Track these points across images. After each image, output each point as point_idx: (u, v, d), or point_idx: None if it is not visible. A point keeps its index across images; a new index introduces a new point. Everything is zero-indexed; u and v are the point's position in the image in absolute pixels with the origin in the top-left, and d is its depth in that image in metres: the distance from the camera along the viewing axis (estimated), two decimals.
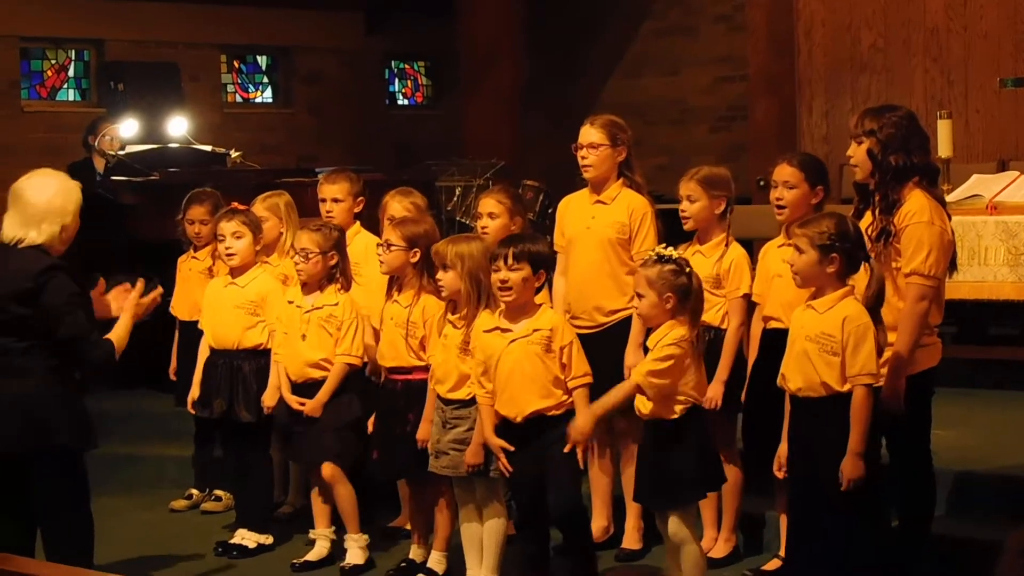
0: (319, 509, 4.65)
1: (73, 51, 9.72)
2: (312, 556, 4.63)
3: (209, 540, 4.91)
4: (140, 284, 4.04)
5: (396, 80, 11.58)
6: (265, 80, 10.83)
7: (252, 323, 4.80)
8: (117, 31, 9.58)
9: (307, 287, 4.61)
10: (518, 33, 9.28)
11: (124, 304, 3.98)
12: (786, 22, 8.40)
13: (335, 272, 4.57)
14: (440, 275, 4.17)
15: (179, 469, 5.63)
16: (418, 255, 4.32)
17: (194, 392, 4.91)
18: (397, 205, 4.85)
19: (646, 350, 3.88)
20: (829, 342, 3.61)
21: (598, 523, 4.63)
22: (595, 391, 3.96)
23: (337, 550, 4.63)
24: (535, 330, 3.95)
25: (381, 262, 4.40)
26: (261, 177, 7.05)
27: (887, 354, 3.75)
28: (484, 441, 4.07)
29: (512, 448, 3.97)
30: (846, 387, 3.60)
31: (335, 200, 4.99)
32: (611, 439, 4.55)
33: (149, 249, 6.23)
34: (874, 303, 3.65)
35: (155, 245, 6.01)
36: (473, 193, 7.43)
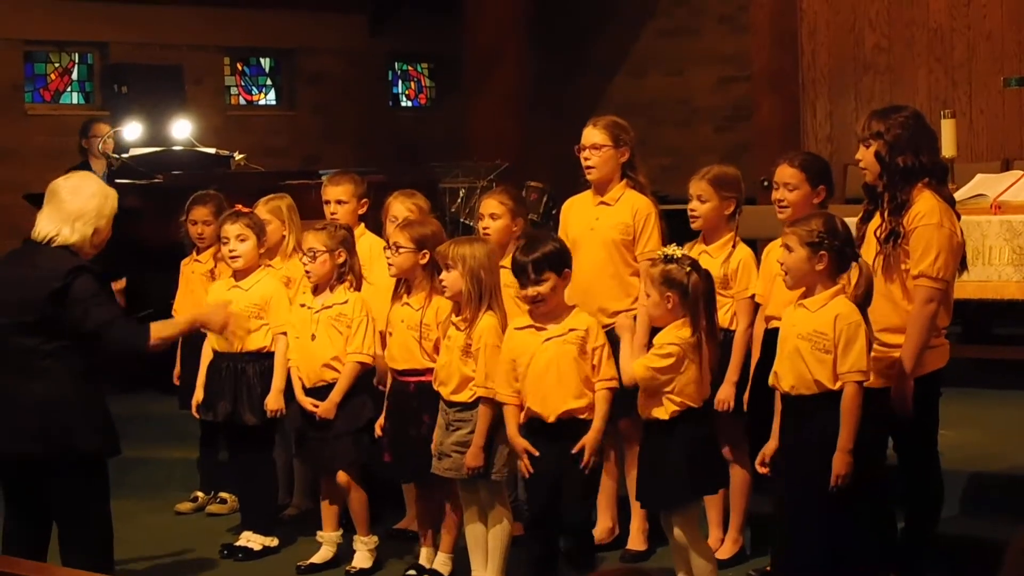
0: (328, 512, 4.65)
1: (77, 54, 9.74)
2: (317, 559, 4.63)
3: (214, 542, 4.91)
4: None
5: (400, 81, 11.59)
6: (268, 82, 10.84)
7: (255, 326, 4.79)
8: (120, 34, 9.59)
9: (317, 288, 4.60)
10: (522, 34, 9.29)
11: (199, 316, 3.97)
12: (790, 22, 8.40)
13: (344, 271, 4.56)
14: (443, 276, 4.16)
15: (184, 472, 5.63)
16: (427, 256, 4.30)
17: (198, 395, 4.91)
18: (399, 206, 4.85)
19: (652, 350, 3.87)
20: (822, 340, 3.61)
21: (603, 524, 4.62)
22: None
23: (342, 553, 4.63)
24: (571, 330, 3.95)
25: (390, 264, 4.38)
26: (265, 180, 7.05)
27: (893, 355, 3.75)
28: (484, 444, 4.07)
29: (536, 453, 3.96)
30: (838, 385, 3.60)
31: (339, 202, 4.99)
32: (616, 440, 4.54)
33: (153, 252, 6.23)
34: (863, 301, 3.65)
35: (159, 248, 6.00)
36: (477, 194, 7.43)
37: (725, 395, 4.20)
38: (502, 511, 4.17)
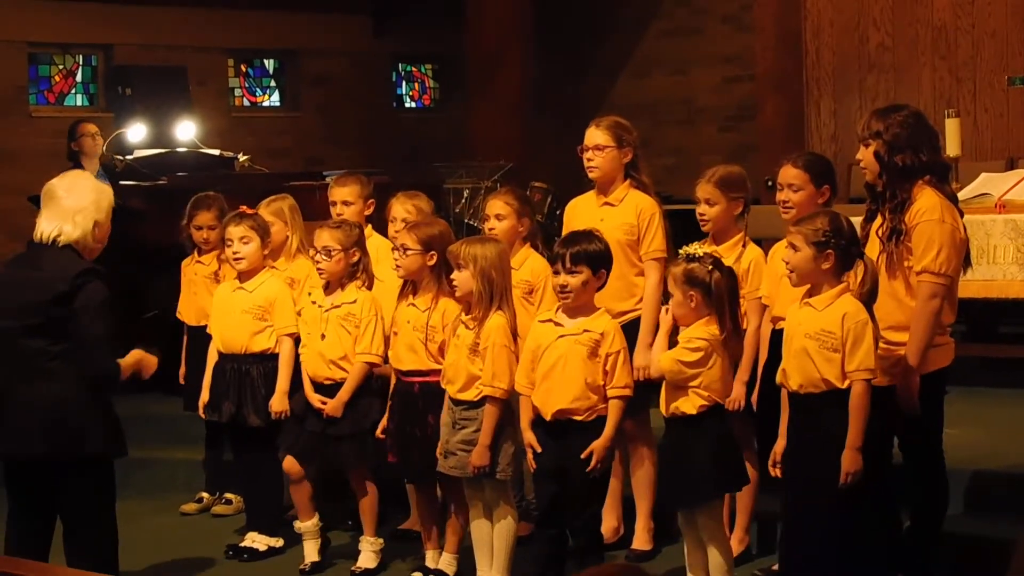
0: (301, 501, 4.59)
1: (81, 56, 9.75)
2: (308, 553, 4.60)
3: (220, 543, 4.92)
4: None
5: (403, 83, 11.59)
6: (272, 84, 10.85)
7: (260, 328, 4.80)
8: (125, 36, 9.60)
9: (328, 286, 4.59)
10: (525, 34, 9.28)
11: (144, 356, 3.96)
12: (794, 21, 8.39)
13: (356, 270, 4.55)
14: (454, 275, 4.16)
15: (189, 473, 5.63)
16: (435, 257, 4.29)
17: (204, 396, 4.91)
18: (399, 208, 4.84)
19: (680, 344, 3.85)
20: (829, 339, 3.61)
21: (608, 524, 4.62)
22: None
23: (348, 551, 4.63)
24: (585, 330, 3.95)
25: (398, 266, 4.37)
26: (269, 181, 7.06)
27: (898, 353, 3.75)
28: (490, 444, 4.07)
29: (540, 449, 3.97)
30: (845, 383, 3.60)
31: (345, 203, 4.99)
32: (620, 440, 4.54)
33: (157, 253, 6.24)
34: (869, 298, 3.65)
35: (162, 249, 6.01)
36: (481, 195, 7.43)
37: (736, 394, 4.20)
38: (507, 510, 4.17)
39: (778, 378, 3.77)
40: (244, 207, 4.93)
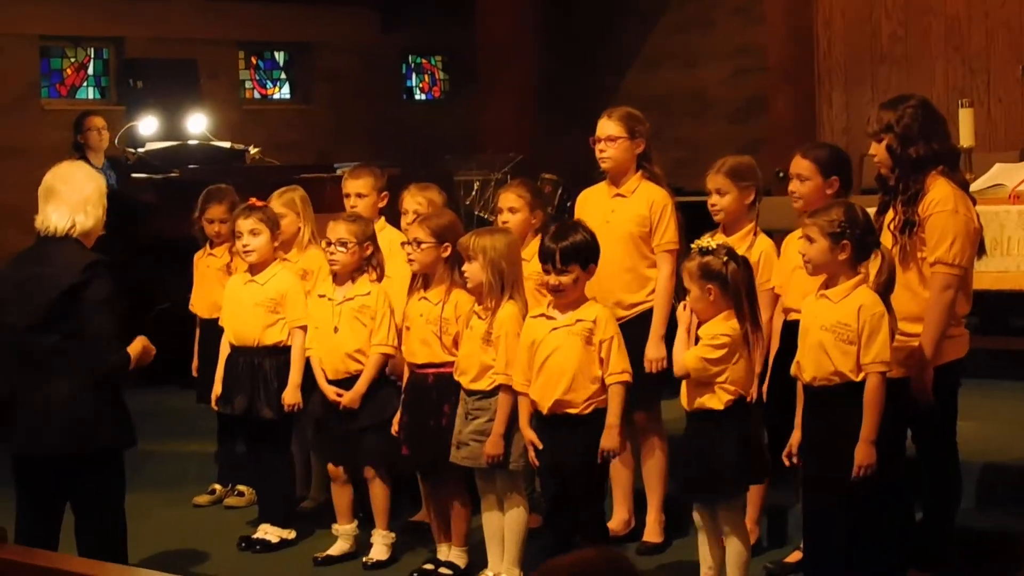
0: (341, 504, 4.66)
1: (92, 49, 9.77)
2: (334, 551, 4.64)
3: (232, 535, 4.93)
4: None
5: (413, 75, 11.59)
6: (283, 76, 10.86)
7: (272, 321, 4.80)
8: (136, 29, 9.62)
9: (338, 278, 4.59)
10: (535, 26, 9.27)
11: (147, 344, 3.96)
12: (805, 13, 8.36)
13: (367, 263, 4.55)
14: (465, 267, 4.16)
15: (202, 465, 5.65)
16: (449, 249, 4.28)
17: (217, 389, 4.92)
18: (411, 200, 4.84)
19: (703, 342, 3.81)
20: (845, 331, 3.60)
21: (619, 516, 4.62)
22: None
23: (359, 545, 4.64)
24: (578, 320, 3.94)
25: (412, 260, 4.36)
26: (280, 173, 7.07)
27: (912, 344, 3.73)
28: (504, 433, 4.07)
29: (540, 445, 3.96)
30: (860, 376, 3.59)
31: (359, 195, 4.98)
32: (631, 432, 4.54)
33: (168, 246, 6.25)
34: (886, 288, 3.63)
35: (174, 242, 6.03)
36: (491, 187, 7.43)
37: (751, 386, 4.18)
38: (518, 500, 4.16)
39: (792, 370, 3.76)
40: (254, 199, 4.93)
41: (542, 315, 4.01)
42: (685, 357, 3.78)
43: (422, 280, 4.40)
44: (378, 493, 4.56)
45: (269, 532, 4.83)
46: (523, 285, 4.19)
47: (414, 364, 4.39)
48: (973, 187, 5.29)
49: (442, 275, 4.33)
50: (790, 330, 4.09)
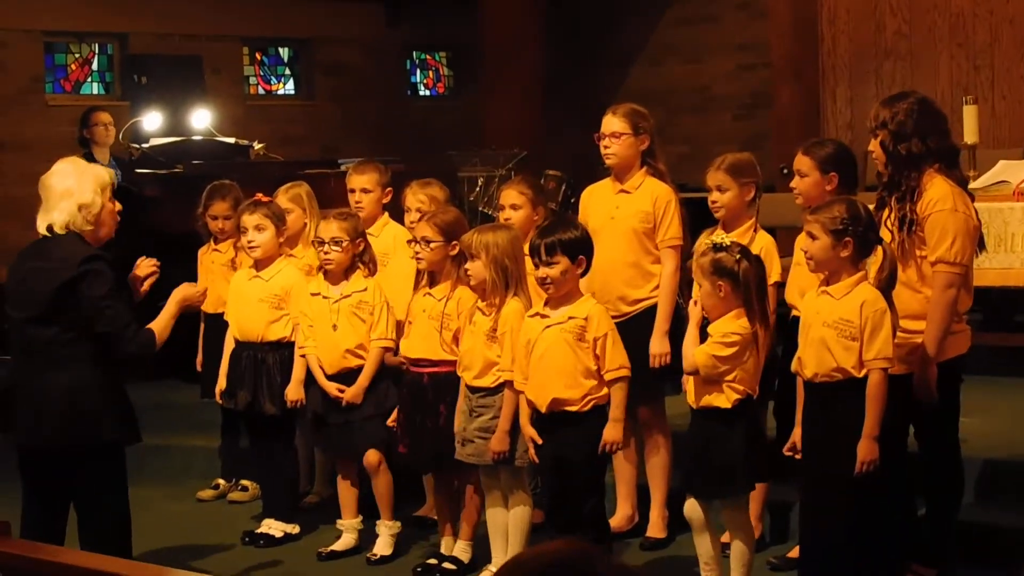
0: (347, 499, 4.67)
1: (96, 45, 9.77)
2: (339, 546, 4.65)
3: (236, 529, 4.95)
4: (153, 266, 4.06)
5: (417, 71, 11.58)
6: (287, 72, 10.86)
7: (276, 316, 4.81)
8: (140, 24, 9.62)
9: (332, 276, 4.61)
10: (539, 22, 9.26)
11: (185, 288, 4.00)
12: (809, 8, 8.35)
13: (360, 260, 4.57)
14: (468, 264, 4.17)
15: (206, 459, 5.66)
16: (457, 247, 4.29)
17: (221, 383, 4.93)
18: (412, 198, 4.85)
19: (714, 339, 3.81)
20: (848, 327, 3.60)
21: (622, 512, 4.63)
22: None
23: (363, 540, 4.65)
24: (570, 318, 3.94)
25: (419, 258, 4.37)
26: (284, 169, 7.08)
27: (914, 341, 3.74)
28: (509, 429, 4.08)
29: (540, 441, 3.97)
30: (862, 372, 3.59)
31: (364, 191, 4.99)
32: (635, 428, 4.54)
33: (173, 241, 6.25)
34: (887, 284, 3.64)
35: (179, 237, 6.03)
36: (495, 183, 7.43)
37: None
38: (522, 497, 4.17)
39: (793, 366, 3.76)
40: (259, 195, 4.94)
41: (537, 314, 4.01)
42: (695, 354, 3.77)
43: (428, 276, 4.40)
44: (381, 482, 4.58)
45: (273, 527, 4.85)
46: (527, 281, 4.19)
47: (411, 360, 4.41)
48: (977, 184, 5.30)
49: (449, 271, 4.34)
50: (795, 327, 4.10)
